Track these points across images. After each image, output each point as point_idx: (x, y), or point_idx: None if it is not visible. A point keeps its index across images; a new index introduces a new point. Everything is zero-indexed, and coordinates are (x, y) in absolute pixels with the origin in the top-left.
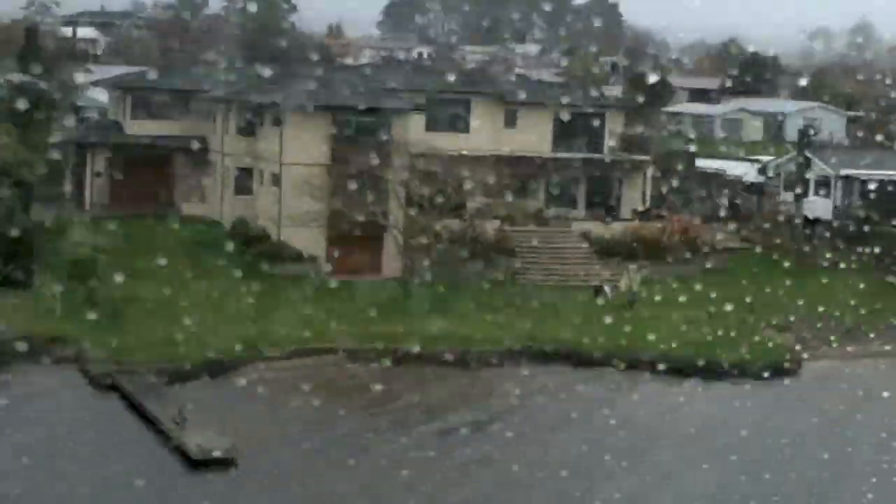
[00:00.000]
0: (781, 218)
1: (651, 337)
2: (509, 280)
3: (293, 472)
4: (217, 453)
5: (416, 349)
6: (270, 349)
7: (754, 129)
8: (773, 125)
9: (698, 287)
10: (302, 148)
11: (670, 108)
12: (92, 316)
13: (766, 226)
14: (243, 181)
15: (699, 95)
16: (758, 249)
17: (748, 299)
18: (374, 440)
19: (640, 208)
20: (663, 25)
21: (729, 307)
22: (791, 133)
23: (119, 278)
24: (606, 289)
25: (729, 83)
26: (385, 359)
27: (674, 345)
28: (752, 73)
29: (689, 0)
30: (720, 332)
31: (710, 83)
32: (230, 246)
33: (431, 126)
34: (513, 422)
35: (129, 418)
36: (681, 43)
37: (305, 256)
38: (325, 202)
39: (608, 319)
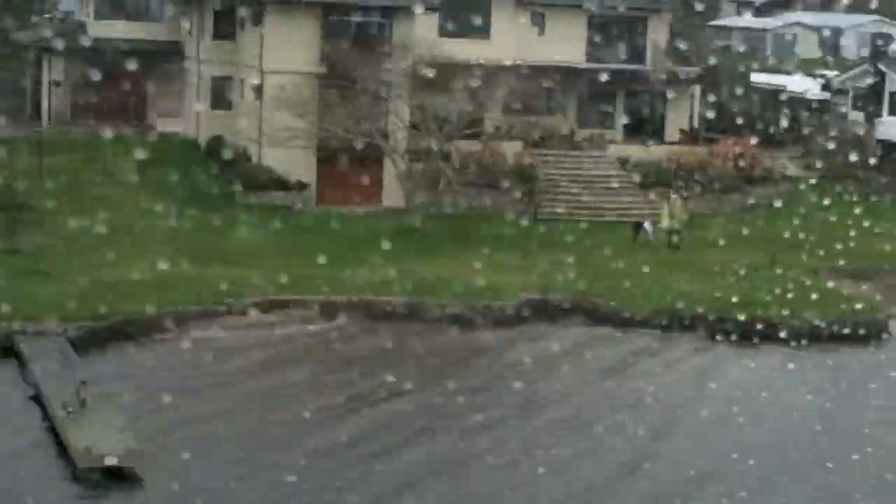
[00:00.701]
0: (851, 141)
1: (699, 288)
2: (532, 213)
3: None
4: (111, 460)
5: (402, 303)
6: (227, 302)
7: (809, 45)
8: (830, 41)
9: (756, 223)
10: (286, 52)
11: (717, 22)
12: (11, 258)
13: (834, 150)
14: (222, 93)
15: (748, 8)
16: (824, 178)
17: (814, 238)
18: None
19: (687, 129)
20: None
21: (792, 249)
22: (849, 50)
23: (58, 210)
24: (646, 225)
25: None
26: (363, 315)
27: (734, 299)
28: None
29: None
30: (788, 284)
31: None
32: (202, 170)
33: (446, 30)
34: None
35: (17, 398)
36: None
37: (291, 182)
38: (313, 118)
39: (646, 266)
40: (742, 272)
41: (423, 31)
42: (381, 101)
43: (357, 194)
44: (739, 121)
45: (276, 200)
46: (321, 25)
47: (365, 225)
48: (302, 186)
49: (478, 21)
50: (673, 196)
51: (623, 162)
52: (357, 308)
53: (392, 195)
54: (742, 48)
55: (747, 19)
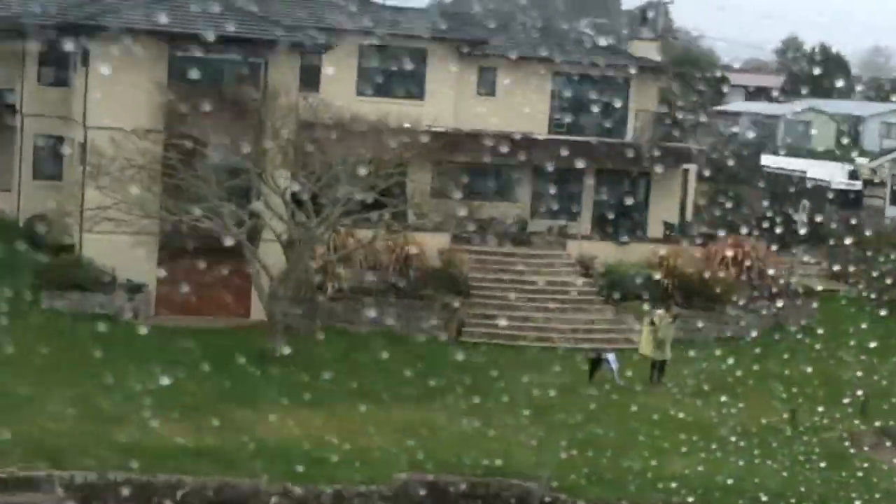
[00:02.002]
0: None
1: (694, 468)
2: (454, 334)
3: None
4: None
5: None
6: None
7: (825, 134)
8: (849, 129)
9: (768, 356)
10: (117, 101)
11: (724, 107)
12: None
13: (871, 255)
14: (49, 158)
15: (758, 95)
16: (861, 294)
17: (850, 379)
18: None
19: (675, 223)
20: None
21: (822, 398)
22: (871, 139)
23: None
24: (610, 358)
25: (787, 83)
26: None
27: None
28: (821, 68)
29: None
30: (823, 460)
31: (772, 81)
32: (9, 262)
33: (365, 87)
34: None
35: None
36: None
37: (120, 282)
38: (154, 195)
39: (610, 422)
40: (753, 436)
41: (335, 89)
42: (250, 171)
43: (214, 303)
44: (746, 214)
45: (96, 307)
46: (167, 65)
47: (210, 348)
48: (135, 289)
49: (408, 78)
50: (658, 313)
51: (586, 265)
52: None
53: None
54: (751, 135)
55: (757, 105)
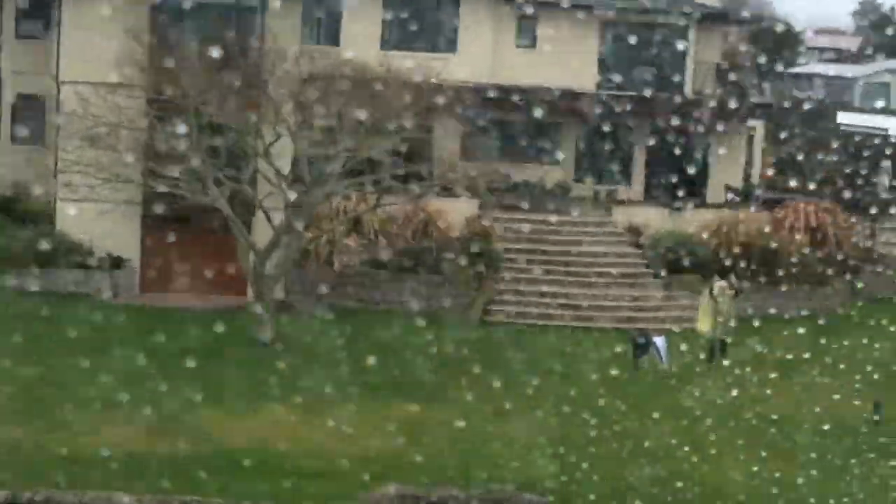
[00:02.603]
0: None
1: (763, 475)
2: (478, 314)
3: None
4: None
5: None
6: None
7: None
8: None
9: (847, 335)
10: (93, 54)
11: (797, 69)
12: None
13: None
14: (29, 119)
15: (834, 58)
16: None
17: None
18: None
19: (739, 187)
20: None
21: None
22: None
23: None
24: (658, 343)
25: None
26: None
27: None
28: None
29: None
30: None
31: (848, 42)
32: None
33: (390, 39)
34: None
35: None
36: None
37: (100, 257)
38: (137, 159)
39: (660, 418)
40: (827, 434)
41: (357, 43)
42: (245, 135)
43: (207, 280)
44: (819, 176)
45: (70, 285)
46: (148, 11)
47: (192, 333)
48: (116, 264)
49: (439, 29)
50: (719, 284)
51: (635, 233)
52: None
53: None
54: (825, 96)
55: (833, 67)
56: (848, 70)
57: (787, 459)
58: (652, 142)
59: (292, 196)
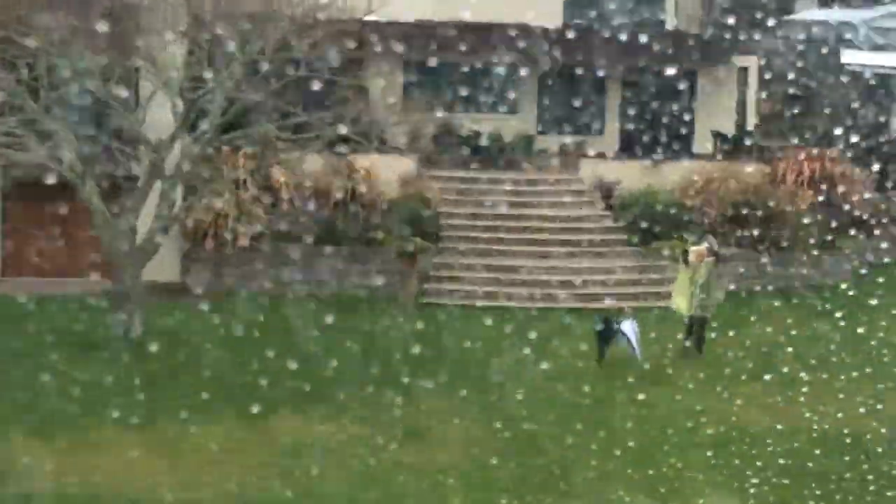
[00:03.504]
0: None
1: None
2: (413, 295)
3: None
4: None
5: None
6: None
7: None
8: None
9: (860, 317)
10: None
11: (793, 17)
12: None
13: None
14: None
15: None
16: None
17: None
18: None
19: (731, 134)
20: None
21: None
22: None
23: None
24: (625, 329)
25: None
26: None
27: None
28: None
29: None
30: None
31: None
32: None
33: None
34: None
35: None
36: None
37: None
38: None
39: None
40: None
41: None
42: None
43: (77, 261)
44: (821, 121)
45: None
46: None
47: (42, 326)
48: None
49: None
50: (696, 249)
51: (606, 192)
52: None
53: (166, 261)
54: (827, 37)
55: (830, 12)
56: (849, 15)
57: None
58: (627, 86)
59: (168, 154)
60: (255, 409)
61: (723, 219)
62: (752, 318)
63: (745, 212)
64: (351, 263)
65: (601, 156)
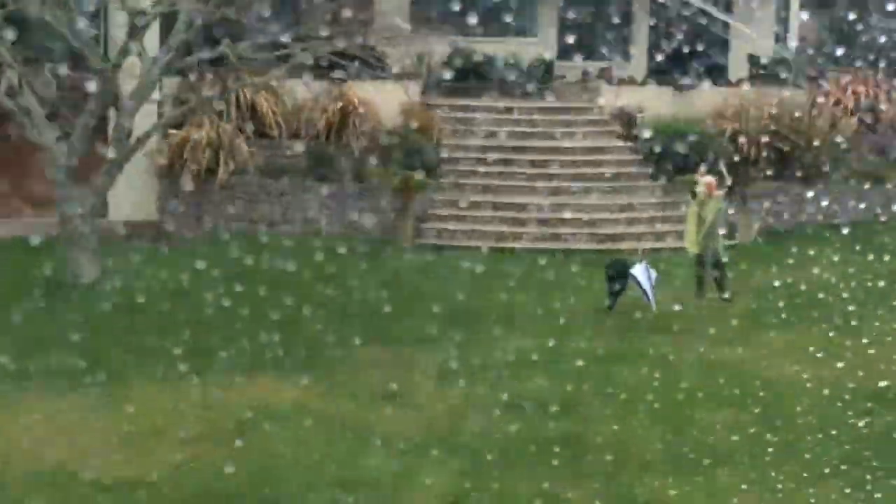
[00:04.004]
0: None
1: None
2: (406, 238)
3: None
4: None
5: None
6: None
7: None
8: None
9: None
10: None
11: None
12: None
13: None
14: None
15: None
16: None
17: None
18: None
19: (770, 58)
20: None
21: None
22: None
23: None
24: (637, 273)
25: None
26: None
27: None
28: None
29: None
30: None
31: None
32: None
33: None
34: None
35: None
36: None
37: None
38: None
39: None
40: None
41: None
42: None
43: (33, 196)
44: (873, 43)
45: None
46: None
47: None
48: None
49: None
50: (706, 180)
51: (628, 122)
52: None
53: (143, 198)
54: None
55: None
56: None
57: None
58: (657, 6)
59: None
60: (197, 370)
61: (756, 149)
62: (788, 259)
63: (780, 141)
64: (342, 201)
65: (624, 82)
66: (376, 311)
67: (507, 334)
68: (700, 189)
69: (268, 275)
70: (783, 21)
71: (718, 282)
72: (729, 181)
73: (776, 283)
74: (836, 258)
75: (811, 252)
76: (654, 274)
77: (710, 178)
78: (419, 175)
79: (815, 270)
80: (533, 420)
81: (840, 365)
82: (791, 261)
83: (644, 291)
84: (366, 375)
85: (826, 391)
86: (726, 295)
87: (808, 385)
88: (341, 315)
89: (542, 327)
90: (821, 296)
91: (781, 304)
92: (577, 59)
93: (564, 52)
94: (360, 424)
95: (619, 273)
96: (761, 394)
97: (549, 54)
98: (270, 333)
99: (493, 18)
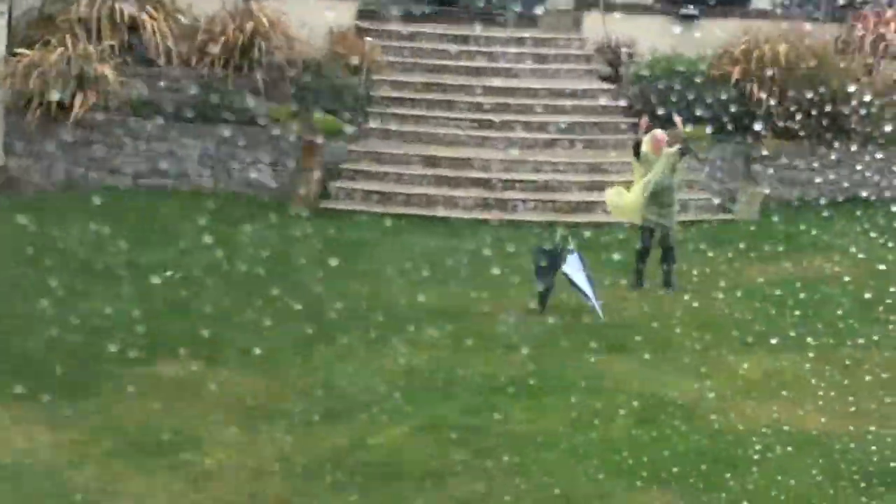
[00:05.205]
0: None
1: None
2: (310, 199)
3: None
4: None
5: None
6: None
7: None
8: None
9: None
10: None
11: None
12: None
13: None
14: None
15: None
16: None
17: None
18: None
19: None
20: None
21: None
22: None
23: None
24: (569, 270)
25: None
26: None
27: None
28: None
29: None
30: None
31: None
32: None
33: None
34: None
35: None
36: None
37: None
38: None
39: None
40: None
41: None
42: None
43: None
44: None
45: None
46: None
47: None
48: None
49: None
50: (655, 135)
51: (614, 60)
52: None
53: None
54: None
55: None
56: None
57: None
58: None
59: None
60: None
61: (767, 97)
62: (799, 245)
63: (799, 87)
64: (233, 148)
65: (614, 7)
66: (205, 308)
67: (384, 348)
68: (644, 147)
69: (121, 242)
70: None
71: (665, 270)
72: (683, 134)
73: (776, 280)
74: (863, 246)
75: (831, 235)
76: (588, 269)
77: (658, 132)
78: (332, 119)
79: (832, 263)
80: None
81: (843, 411)
82: (803, 247)
83: (582, 293)
84: (140, 411)
85: (816, 470)
86: (671, 289)
87: (787, 453)
88: (148, 314)
89: (444, 339)
90: (833, 300)
91: (774, 311)
92: None
93: None
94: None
95: (548, 265)
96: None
97: None
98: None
99: None
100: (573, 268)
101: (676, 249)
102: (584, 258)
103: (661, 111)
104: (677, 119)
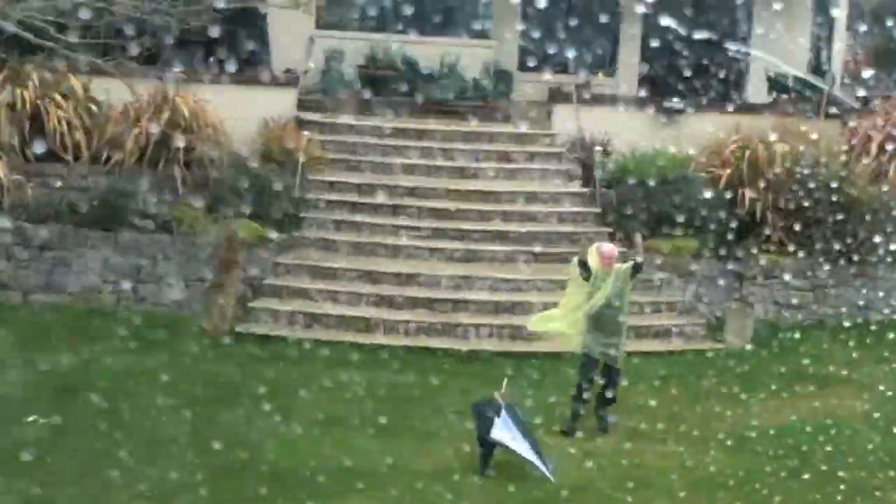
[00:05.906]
0: None
1: None
2: (224, 322)
3: None
4: None
5: None
6: None
7: None
8: None
9: None
10: None
11: None
12: None
13: None
14: None
15: None
16: None
17: None
18: None
19: (795, 74)
20: None
21: None
22: None
23: None
24: (500, 435)
25: None
26: None
27: None
28: None
29: None
30: None
31: None
32: None
33: None
34: None
35: None
36: None
37: None
38: None
39: None
40: None
41: None
42: None
43: None
44: None
45: None
46: None
47: None
48: None
49: None
50: (604, 249)
51: (585, 159)
52: None
53: None
54: None
55: None
56: None
57: None
58: (653, 8)
59: None
60: None
61: (763, 204)
62: (799, 379)
63: (798, 194)
64: (137, 258)
65: (587, 101)
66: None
67: None
68: (591, 261)
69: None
70: (828, 32)
71: (603, 401)
72: (640, 255)
73: (769, 429)
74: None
75: (837, 366)
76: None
77: (608, 246)
78: (255, 225)
79: (841, 402)
80: None
81: None
82: (802, 382)
83: (524, 459)
84: None
85: None
86: (605, 425)
87: None
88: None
89: None
90: (838, 458)
91: (769, 468)
92: (546, 69)
93: (529, 61)
94: None
95: (487, 424)
96: None
97: (509, 63)
98: None
99: (433, 15)
100: (503, 434)
101: (619, 386)
102: (517, 413)
103: (636, 220)
104: (637, 240)
